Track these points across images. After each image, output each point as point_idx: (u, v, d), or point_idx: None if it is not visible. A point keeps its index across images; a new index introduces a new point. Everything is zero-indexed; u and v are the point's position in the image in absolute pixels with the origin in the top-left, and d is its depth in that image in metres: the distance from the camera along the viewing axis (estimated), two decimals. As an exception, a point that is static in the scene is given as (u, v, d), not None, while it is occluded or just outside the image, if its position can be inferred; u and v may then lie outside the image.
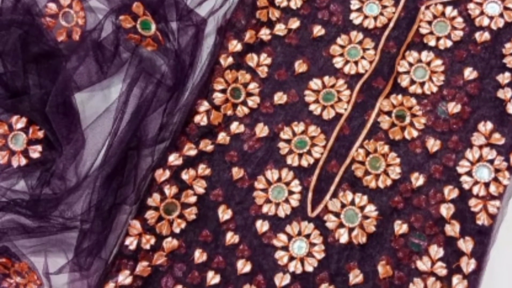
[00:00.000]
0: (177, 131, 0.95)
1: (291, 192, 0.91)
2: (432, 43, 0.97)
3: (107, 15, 0.97)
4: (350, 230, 0.88)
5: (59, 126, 0.91)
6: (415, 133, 0.92)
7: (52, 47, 0.95)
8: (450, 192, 0.89)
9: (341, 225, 0.89)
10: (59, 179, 0.90)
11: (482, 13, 0.97)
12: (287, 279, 0.87)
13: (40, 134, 0.93)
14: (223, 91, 0.97)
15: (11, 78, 0.93)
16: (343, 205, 0.90)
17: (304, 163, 0.92)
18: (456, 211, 0.88)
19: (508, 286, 0.87)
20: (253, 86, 0.97)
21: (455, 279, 0.85)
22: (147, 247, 0.89)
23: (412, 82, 0.95)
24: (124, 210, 0.91)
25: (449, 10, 0.98)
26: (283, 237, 0.89)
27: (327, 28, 1.00)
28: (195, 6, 1.01)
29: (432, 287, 0.85)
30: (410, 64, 0.96)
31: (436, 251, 0.86)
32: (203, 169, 0.93)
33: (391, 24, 0.98)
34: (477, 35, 0.96)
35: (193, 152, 0.94)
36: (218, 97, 0.97)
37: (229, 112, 0.96)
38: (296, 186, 0.91)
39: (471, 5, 0.98)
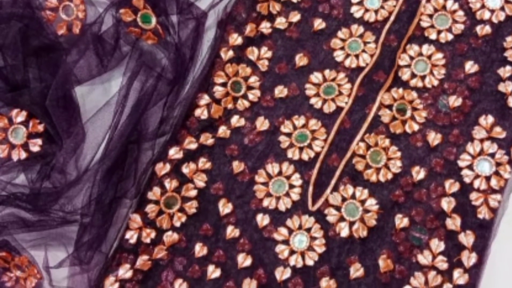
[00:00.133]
0: (178, 125, 0.95)
1: (291, 186, 0.91)
2: (433, 36, 0.96)
3: (108, 8, 0.97)
4: (351, 224, 0.88)
5: (59, 119, 0.91)
6: (416, 127, 0.92)
7: (52, 41, 0.95)
8: (451, 186, 0.89)
9: (341, 219, 0.89)
10: (59, 173, 0.90)
11: (483, 6, 0.97)
12: (287, 273, 0.87)
13: (40, 127, 0.93)
14: (224, 84, 0.97)
15: (11, 72, 0.92)
16: (343, 199, 0.90)
17: (305, 156, 0.92)
18: (457, 205, 0.88)
19: (509, 280, 0.87)
20: (253, 80, 0.97)
21: (456, 273, 0.85)
22: (148, 241, 0.89)
23: (413, 75, 0.95)
24: (124, 204, 0.91)
25: (450, 4, 0.98)
26: (283, 231, 0.89)
27: (327, 21, 0.99)
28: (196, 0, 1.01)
29: (433, 281, 0.85)
30: (411, 58, 0.96)
31: (437, 245, 0.86)
32: (203, 162, 0.93)
33: (392, 18, 0.98)
34: (478, 28, 0.96)
35: (193, 146, 0.94)
36: (218, 90, 0.96)
37: (230, 106, 0.96)
38: (296, 179, 0.91)
39: (472, -2, 0.98)
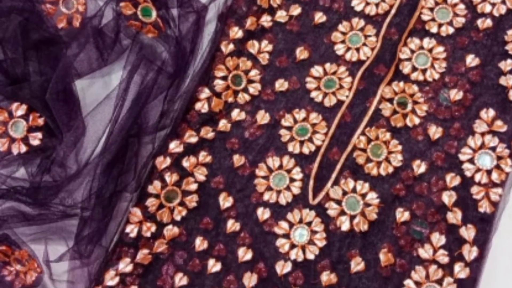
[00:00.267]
0: (178, 118, 0.95)
1: (292, 180, 0.91)
2: (434, 29, 0.96)
3: (108, 1, 0.96)
4: (352, 217, 0.88)
5: (59, 113, 0.91)
6: (417, 120, 0.92)
7: (52, 34, 0.95)
8: (452, 180, 0.89)
9: (342, 213, 0.89)
10: (59, 167, 0.90)
11: (484, -1, 0.97)
12: (288, 267, 0.87)
13: (41, 121, 0.93)
14: (224, 78, 0.97)
15: (11, 65, 0.92)
16: (344, 193, 0.90)
17: (306, 150, 0.92)
18: (458, 199, 0.88)
19: (510, 274, 0.87)
20: (254, 73, 0.97)
21: (457, 266, 0.85)
22: (148, 234, 0.89)
23: (414, 69, 0.95)
24: (124, 197, 0.91)
25: (451, -3, 0.98)
26: (284, 224, 0.89)
27: (328, 14, 0.99)
28: (196, -7, 1.01)
29: (434, 275, 0.85)
30: (412, 51, 0.96)
31: (438, 238, 0.86)
32: (204, 156, 0.93)
33: (393, 11, 0.98)
34: (479, 21, 0.96)
35: (194, 139, 0.93)
36: (219, 84, 0.96)
37: (230, 99, 0.96)
38: (297, 173, 0.91)
39: (473, -8, 0.98)
